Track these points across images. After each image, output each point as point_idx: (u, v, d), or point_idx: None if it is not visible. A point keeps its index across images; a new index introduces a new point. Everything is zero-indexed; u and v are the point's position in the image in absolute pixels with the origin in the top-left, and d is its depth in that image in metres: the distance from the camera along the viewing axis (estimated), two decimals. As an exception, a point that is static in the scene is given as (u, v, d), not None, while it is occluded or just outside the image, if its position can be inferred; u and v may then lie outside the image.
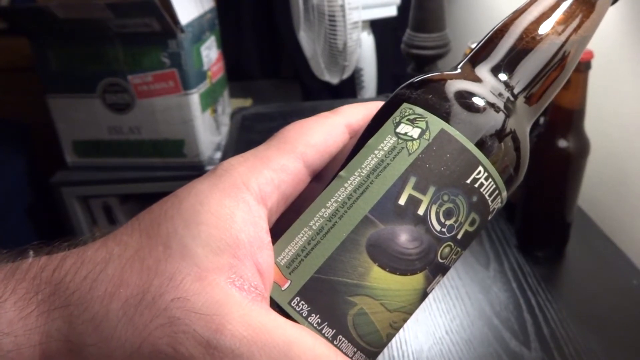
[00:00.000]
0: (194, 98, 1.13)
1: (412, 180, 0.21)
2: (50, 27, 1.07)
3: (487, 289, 0.55)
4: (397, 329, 0.22)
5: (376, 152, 0.21)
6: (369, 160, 0.21)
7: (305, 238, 0.21)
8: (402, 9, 1.06)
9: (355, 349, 0.21)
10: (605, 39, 0.65)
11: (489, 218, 0.23)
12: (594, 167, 0.60)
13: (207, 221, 0.18)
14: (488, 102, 0.22)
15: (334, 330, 0.20)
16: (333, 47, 1.02)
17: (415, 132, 0.21)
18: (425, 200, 0.21)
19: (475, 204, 0.22)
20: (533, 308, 0.53)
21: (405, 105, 0.22)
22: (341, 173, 0.22)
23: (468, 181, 0.21)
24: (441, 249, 0.22)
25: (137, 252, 0.18)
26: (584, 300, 0.54)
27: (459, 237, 0.22)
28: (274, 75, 1.79)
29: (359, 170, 0.21)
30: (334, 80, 1.11)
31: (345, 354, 0.20)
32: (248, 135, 0.95)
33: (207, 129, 1.21)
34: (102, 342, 0.17)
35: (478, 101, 0.22)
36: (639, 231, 0.62)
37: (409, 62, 0.90)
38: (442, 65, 0.89)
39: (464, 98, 0.22)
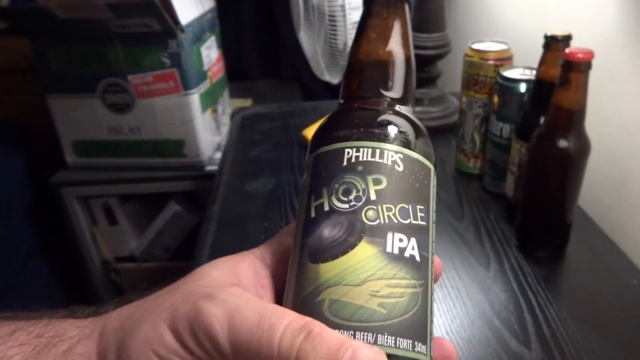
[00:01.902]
0: (194, 98, 1.13)
1: (312, 197, 0.25)
2: (50, 27, 1.07)
3: (488, 289, 0.55)
4: (390, 297, 0.23)
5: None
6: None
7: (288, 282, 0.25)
8: (402, 9, 1.06)
9: (352, 332, 0.22)
10: (606, 39, 0.65)
11: (400, 160, 0.26)
12: (595, 167, 0.60)
13: (221, 266, 0.26)
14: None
15: None
16: (333, 47, 1.02)
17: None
18: (325, 199, 0.25)
19: (364, 171, 0.25)
20: (533, 308, 0.53)
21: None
22: None
23: (344, 164, 0.25)
24: (363, 215, 0.24)
25: (172, 286, 0.25)
26: (585, 300, 0.54)
27: (373, 197, 0.24)
28: (274, 75, 1.79)
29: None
30: (334, 80, 1.11)
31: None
32: (248, 135, 0.95)
33: (207, 129, 1.21)
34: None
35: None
36: (639, 231, 0.62)
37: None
38: (442, 65, 0.89)
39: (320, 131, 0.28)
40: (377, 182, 0.24)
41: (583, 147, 0.54)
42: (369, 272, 0.23)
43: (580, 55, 0.48)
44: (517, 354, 0.48)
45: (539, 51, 0.57)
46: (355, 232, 0.23)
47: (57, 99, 1.16)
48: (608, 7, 0.65)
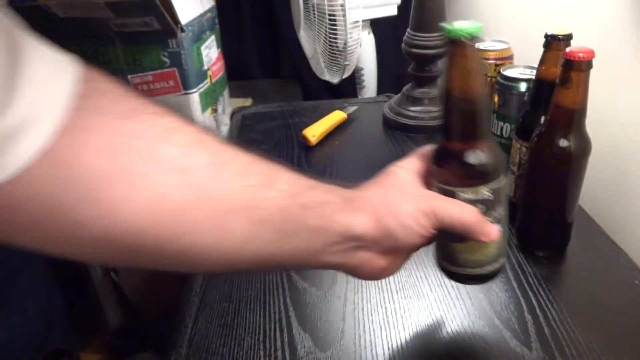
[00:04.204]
0: (194, 98, 1.13)
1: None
2: (49, 26, 1.07)
3: (488, 289, 0.55)
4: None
5: None
6: None
7: None
8: (403, 8, 1.06)
9: None
10: (607, 38, 0.65)
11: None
12: (595, 167, 0.59)
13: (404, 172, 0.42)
14: None
15: None
16: (333, 46, 1.02)
17: None
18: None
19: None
20: (534, 308, 0.53)
21: None
22: None
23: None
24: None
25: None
26: (585, 300, 0.54)
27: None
28: (274, 75, 1.79)
29: None
30: (335, 79, 1.11)
31: None
32: (248, 135, 0.95)
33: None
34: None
35: None
36: (640, 231, 0.62)
37: (410, 62, 0.89)
38: (442, 65, 0.89)
39: None
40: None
41: (584, 147, 0.54)
42: None
43: (580, 55, 0.48)
44: (517, 353, 0.48)
45: (539, 50, 0.57)
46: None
47: (56, 98, 1.16)
48: (609, 6, 0.65)
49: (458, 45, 0.38)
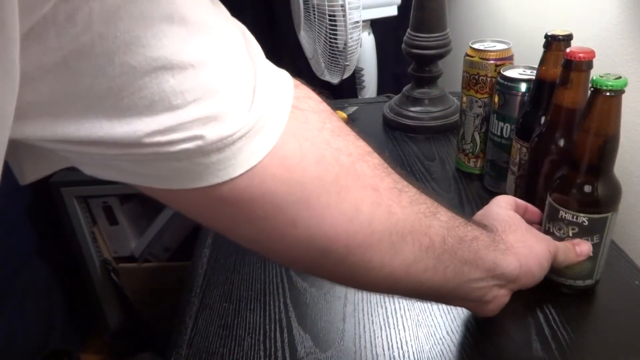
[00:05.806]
0: (194, 98, 1.12)
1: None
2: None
3: (488, 289, 0.55)
4: None
5: None
6: None
7: None
8: (403, 8, 1.06)
9: None
10: (608, 38, 0.65)
11: None
12: (595, 167, 0.59)
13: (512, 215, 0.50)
14: None
15: None
16: (333, 47, 1.02)
17: None
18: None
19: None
20: (534, 308, 0.53)
21: None
22: None
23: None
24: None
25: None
26: (585, 300, 0.54)
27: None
28: (274, 75, 1.79)
29: None
30: (335, 80, 1.11)
31: None
32: (248, 135, 0.95)
33: (207, 129, 1.21)
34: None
35: None
36: (640, 231, 0.62)
37: (410, 62, 0.89)
38: (443, 65, 0.89)
39: None
40: None
41: (584, 147, 0.53)
42: None
43: (581, 55, 0.48)
44: (517, 354, 0.48)
45: (539, 51, 0.57)
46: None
47: (57, 98, 1.16)
48: (609, 6, 0.65)
49: (605, 97, 0.43)
